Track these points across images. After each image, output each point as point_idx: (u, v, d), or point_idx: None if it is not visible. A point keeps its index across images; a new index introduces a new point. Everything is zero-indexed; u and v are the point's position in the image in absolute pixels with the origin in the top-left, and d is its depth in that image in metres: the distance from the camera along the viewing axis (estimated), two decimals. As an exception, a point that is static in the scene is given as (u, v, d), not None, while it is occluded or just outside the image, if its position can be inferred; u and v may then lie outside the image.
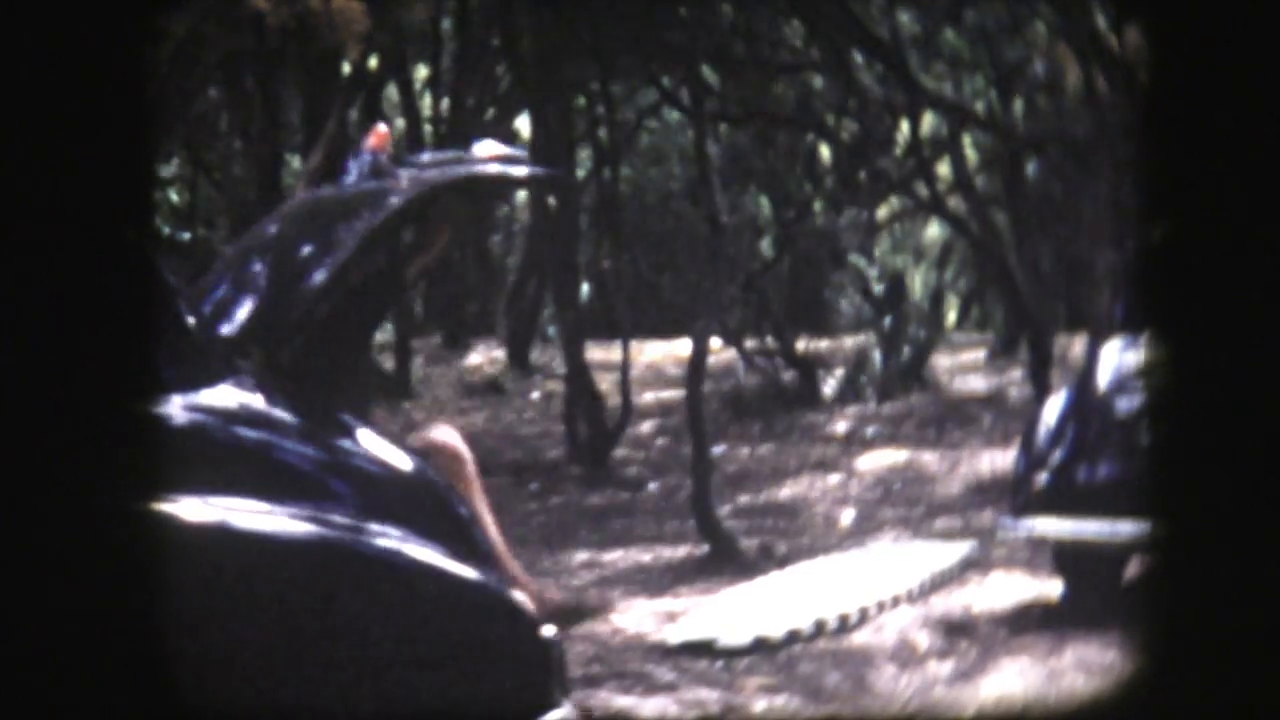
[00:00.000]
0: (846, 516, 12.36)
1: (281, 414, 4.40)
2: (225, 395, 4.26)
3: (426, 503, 4.44)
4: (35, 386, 3.38)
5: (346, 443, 4.44)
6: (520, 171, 5.17)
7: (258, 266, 5.18)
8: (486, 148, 5.20)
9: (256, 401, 4.37)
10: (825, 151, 23.07)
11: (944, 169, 22.75)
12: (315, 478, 4.27)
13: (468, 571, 4.27)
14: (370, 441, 4.51)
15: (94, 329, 3.47)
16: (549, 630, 4.45)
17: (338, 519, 4.14)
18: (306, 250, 4.95)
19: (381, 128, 5.17)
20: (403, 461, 4.50)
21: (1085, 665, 7.41)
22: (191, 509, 3.90)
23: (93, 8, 3.43)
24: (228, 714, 3.89)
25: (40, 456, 3.36)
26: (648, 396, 18.82)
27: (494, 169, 5.00)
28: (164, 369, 4.12)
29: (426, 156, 5.23)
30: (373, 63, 17.17)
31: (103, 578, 3.45)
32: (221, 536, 3.95)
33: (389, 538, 4.18)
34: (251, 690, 3.94)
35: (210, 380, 4.25)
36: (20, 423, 3.35)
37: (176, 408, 4.08)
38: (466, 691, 4.24)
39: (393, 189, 4.93)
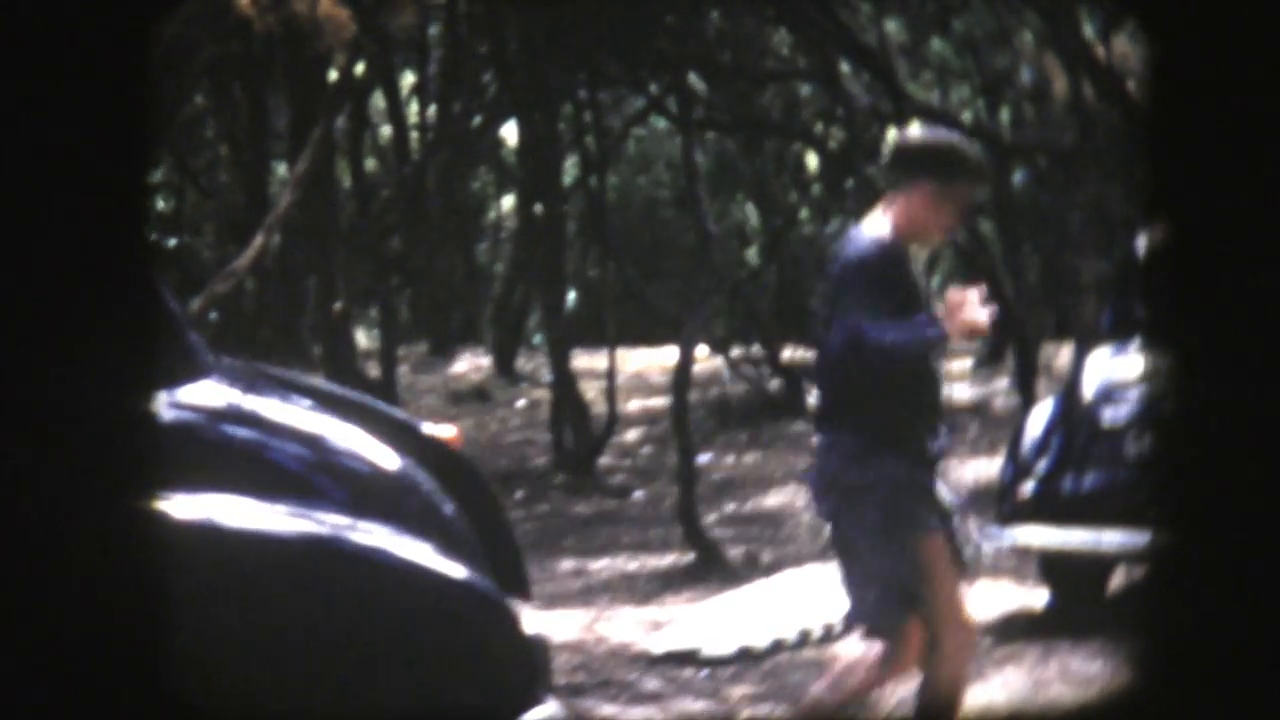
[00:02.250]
0: (832, 525, 12.33)
1: (268, 410, 4.39)
2: (210, 392, 4.26)
3: (413, 500, 4.43)
4: (19, 383, 3.37)
5: (334, 438, 4.43)
6: None
7: None
8: None
9: (242, 398, 4.37)
10: (812, 160, 23.09)
11: (931, 178, 22.73)
12: (302, 474, 4.26)
13: (454, 569, 4.27)
14: (357, 436, 4.49)
15: (79, 325, 3.46)
16: (534, 628, 4.45)
17: (324, 515, 4.13)
18: None
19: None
20: (390, 459, 4.48)
21: (1070, 675, 7.40)
22: (177, 506, 3.89)
23: (91, 11, 3.42)
24: (213, 709, 3.88)
25: (25, 453, 3.35)
26: (634, 404, 18.82)
27: None
28: (149, 365, 4.11)
29: None
30: (360, 69, 17.15)
31: (87, 574, 3.43)
32: (207, 533, 3.95)
33: (375, 535, 4.17)
34: (237, 686, 3.93)
35: (195, 376, 4.24)
36: (3, 419, 3.34)
37: (161, 404, 4.07)
38: (451, 688, 4.23)
39: None
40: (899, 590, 5.18)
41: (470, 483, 4.76)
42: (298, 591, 4.07)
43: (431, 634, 4.24)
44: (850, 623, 5.56)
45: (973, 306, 5.13)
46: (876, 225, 5.35)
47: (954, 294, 5.17)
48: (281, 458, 4.29)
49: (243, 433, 4.27)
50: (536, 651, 4.47)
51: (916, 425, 5.23)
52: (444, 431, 4.91)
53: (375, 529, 4.19)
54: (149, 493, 3.80)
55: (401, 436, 4.65)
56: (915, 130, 5.66)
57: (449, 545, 4.34)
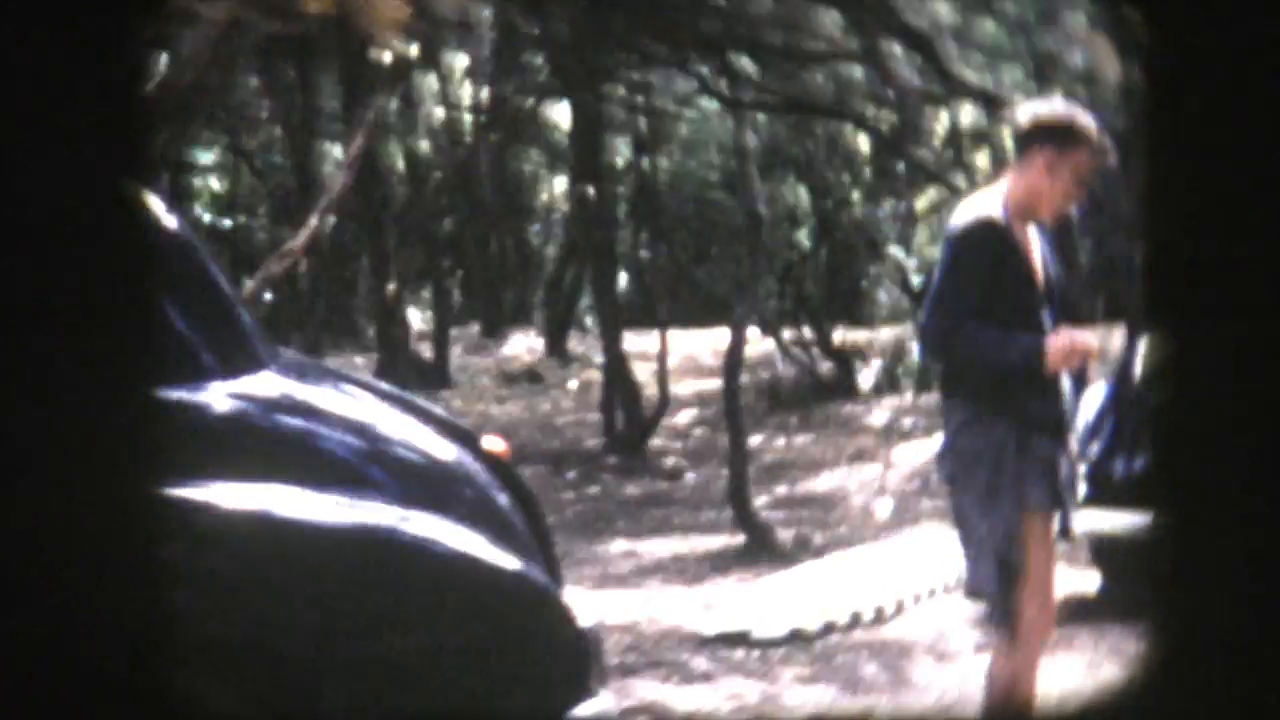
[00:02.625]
0: (883, 508, 12.36)
1: (322, 402, 4.42)
2: (266, 383, 4.29)
3: (467, 491, 4.44)
4: (75, 373, 3.40)
5: (387, 430, 4.45)
6: None
7: None
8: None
9: (297, 389, 4.39)
10: (863, 142, 23.04)
11: (982, 160, 22.69)
12: (355, 465, 4.28)
13: (507, 560, 4.28)
14: (411, 429, 4.51)
15: (136, 316, 3.48)
16: (586, 619, 4.45)
17: (378, 506, 4.15)
18: None
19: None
20: (444, 450, 4.50)
21: (1123, 658, 7.39)
22: (231, 496, 3.92)
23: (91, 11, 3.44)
24: (264, 700, 3.91)
25: (78, 443, 3.37)
26: (685, 387, 18.84)
27: None
28: (206, 356, 4.15)
29: None
30: (412, 51, 17.19)
31: (139, 565, 3.46)
32: (261, 524, 3.98)
33: (429, 526, 4.19)
34: (288, 677, 3.96)
35: (251, 368, 4.27)
36: (58, 410, 3.37)
37: (218, 395, 4.10)
38: (504, 680, 4.24)
39: None
40: (999, 557, 5.16)
41: (519, 497, 4.74)
42: (351, 582, 4.10)
43: (484, 626, 4.25)
44: (964, 585, 5.55)
45: (1079, 344, 5.14)
46: (987, 199, 5.31)
47: (1062, 334, 5.15)
48: (336, 448, 4.31)
49: (298, 424, 4.30)
50: (589, 644, 4.46)
51: (1026, 391, 5.17)
52: (494, 445, 4.89)
53: (429, 520, 4.20)
54: (203, 483, 3.85)
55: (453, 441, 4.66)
56: (1035, 103, 5.60)
57: (502, 537, 4.35)
